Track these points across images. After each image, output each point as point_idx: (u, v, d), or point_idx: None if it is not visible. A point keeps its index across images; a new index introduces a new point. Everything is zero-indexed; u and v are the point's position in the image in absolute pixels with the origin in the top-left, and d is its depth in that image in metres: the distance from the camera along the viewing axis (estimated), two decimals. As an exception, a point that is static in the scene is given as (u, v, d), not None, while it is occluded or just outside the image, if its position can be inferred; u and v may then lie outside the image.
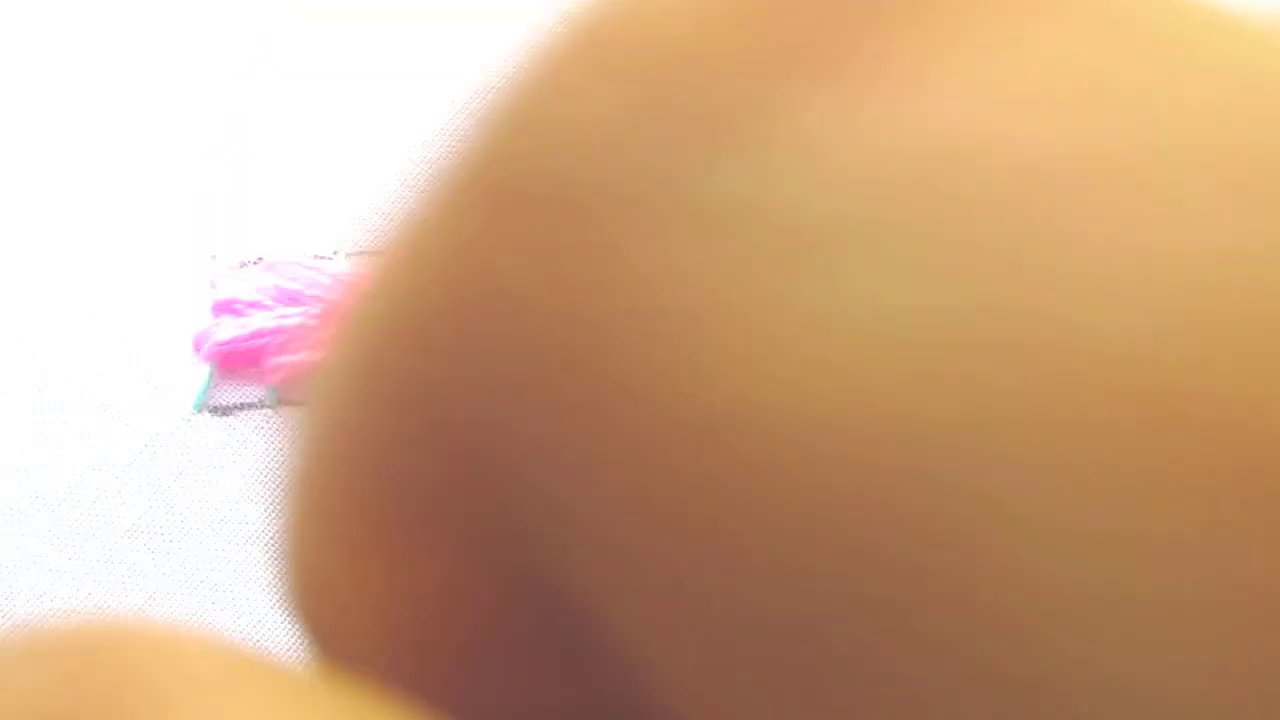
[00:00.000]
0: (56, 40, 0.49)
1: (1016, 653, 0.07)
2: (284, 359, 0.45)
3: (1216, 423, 0.07)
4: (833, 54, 0.09)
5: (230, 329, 0.45)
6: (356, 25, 0.49)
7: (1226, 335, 0.07)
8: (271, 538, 0.14)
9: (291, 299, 0.46)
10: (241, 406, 0.45)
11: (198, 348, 0.46)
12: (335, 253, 0.47)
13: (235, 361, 0.46)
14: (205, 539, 0.44)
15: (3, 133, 0.48)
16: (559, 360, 0.08)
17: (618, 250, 0.08)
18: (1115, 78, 0.08)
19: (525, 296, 0.09)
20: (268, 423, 0.45)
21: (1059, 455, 0.07)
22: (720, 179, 0.08)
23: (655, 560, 0.08)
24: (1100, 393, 0.07)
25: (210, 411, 0.45)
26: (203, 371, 0.46)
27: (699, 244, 0.08)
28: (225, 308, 0.46)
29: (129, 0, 0.50)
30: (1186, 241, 0.07)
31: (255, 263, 0.47)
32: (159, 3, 0.50)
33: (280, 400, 0.46)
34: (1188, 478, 0.07)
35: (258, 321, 0.45)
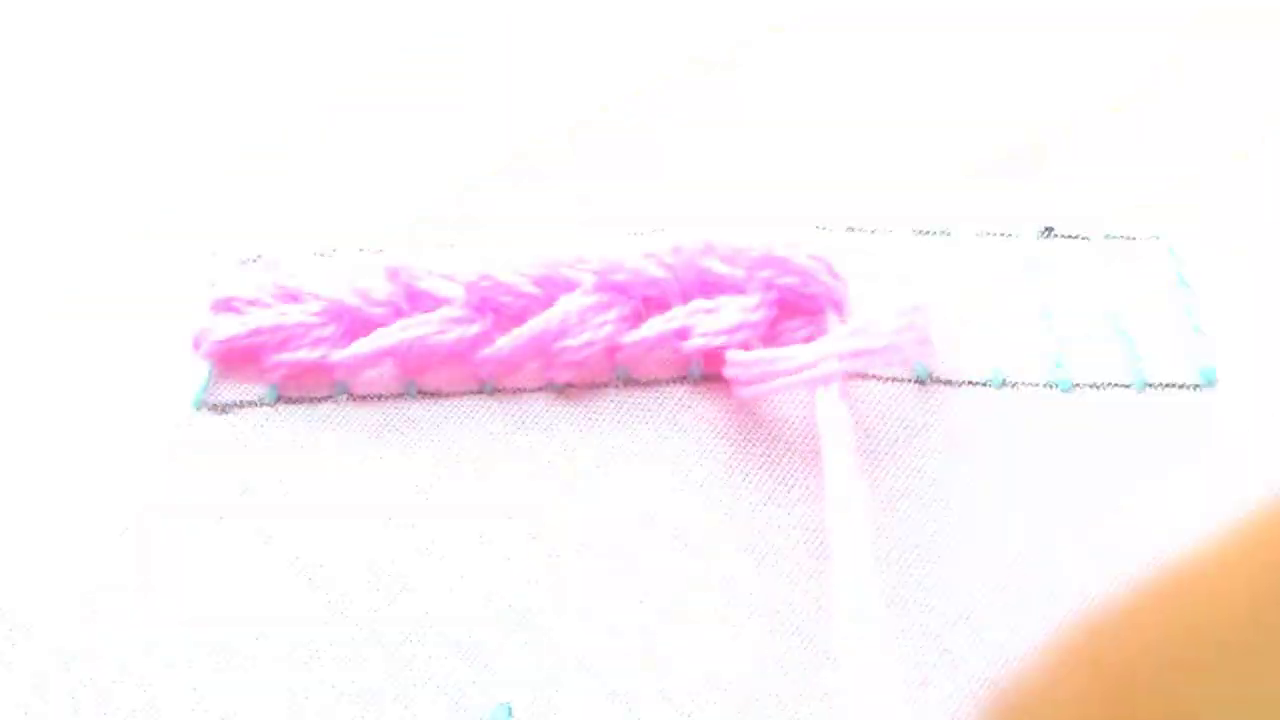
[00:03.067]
0: (57, 38, 0.49)
1: None
2: (284, 357, 0.45)
3: None
4: None
5: (230, 326, 0.45)
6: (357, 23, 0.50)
7: None
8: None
9: (291, 297, 0.46)
10: (241, 404, 0.45)
11: (197, 345, 0.46)
12: (335, 250, 0.47)
13: (235, 359, 0.46)
14: (205, 537, 0.44)
15: (2, 129, 0.48)
16: None
17: None
18: None
19: None
20: (267, 420, 0.45)
21: None
22: None
23: None
24: None
25: (210, 409, 0.45)
26: (202, 369, 0.46)
27: None
28: (225, 305, 0.46)
29: (130, 1, 0.50)
30: None
31: (255, 260, 0.47)
32: (162, 2, 0.50)
33: (280, 398, 0.45)
34: None
35: (257, 319, 0.45)
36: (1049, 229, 0.46)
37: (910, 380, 0.45)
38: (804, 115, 0.48)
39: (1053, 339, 0.45)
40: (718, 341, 0.44)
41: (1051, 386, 0.45)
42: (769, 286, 0.44)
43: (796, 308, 0.45)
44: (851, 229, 0.47)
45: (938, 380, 0.45)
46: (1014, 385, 0.45)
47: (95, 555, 0.44)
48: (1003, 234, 0.47)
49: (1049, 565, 0.44)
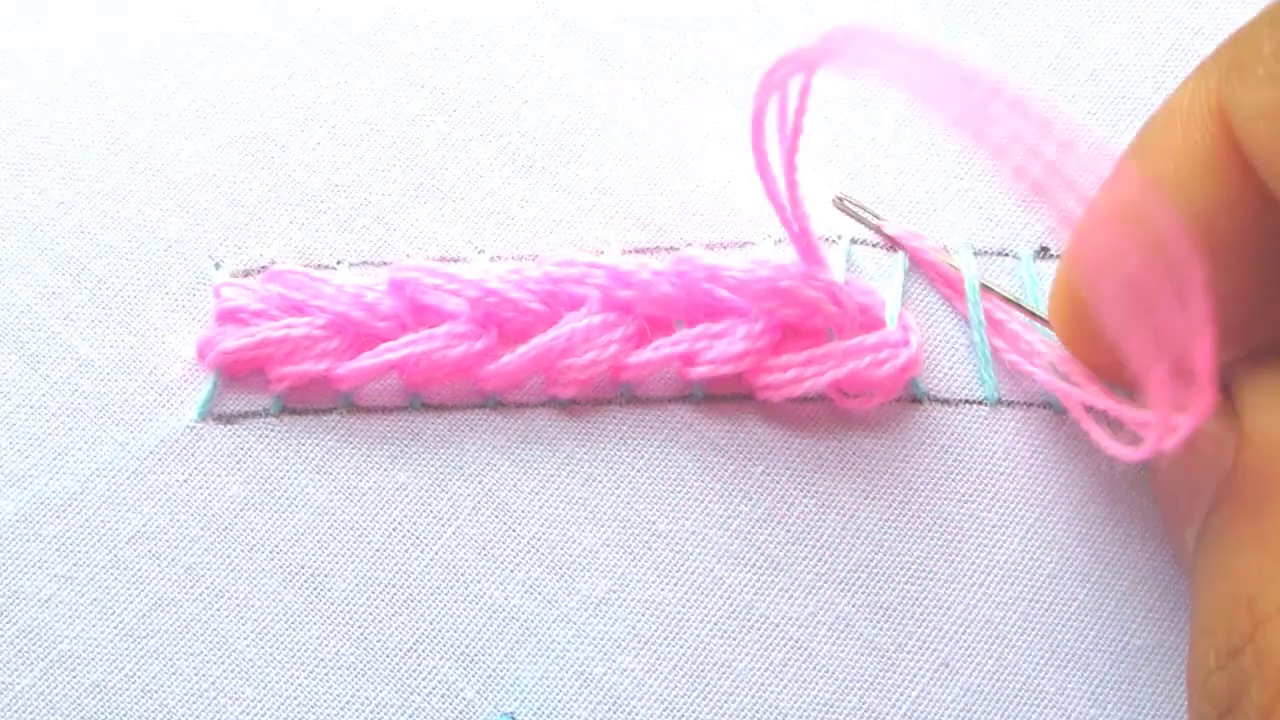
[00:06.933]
0: (62, 44, 0.49)
1: None
2: (289, 369, 0.45)
3: None
4: None
5: (235, 338, 0.45)
6: (365, 35, 0.50)
7: None
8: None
9: (296, 309, 0.46)
10: (246, 415, 0.46)
11: (202, 356, 0.46)
12: (339, 263, 0.47)
13: (240, 370, 0.46)
14: (210, 546, 0.45)
15: (6, 138, 0.48)
16: None
17: None
18: None
19: None
20: (272, 432, 0.46)
21: None
22: None
23: None
24: None
25: (215, 420, 0.46)
26: (207, 380, 0.46)
27: None
28: (230, 316, 0.46)
29: (136, 6, 0.50)
30: None
31: (260, 272, 0.47)
32: (167, 11, 0.49)
33: (285, 409, 0.46)
34: None
35: (262, 331, 0.45)
36: (1045, 249, 0.47)
37: (907, 399, 0.46)
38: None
39: (1048, 359, 0.46)
40: (724, 370, 0.45)
41: (1046, 406, 0.46)
42: (773, 314, 0.45)
43: (800, 330, 0.45)
44: (855, 241, 0.47)
45: (934, 399, 0.46)
46: (1009, 404, 0.46)
47: (102, 563, 0.44)
48: (1000, 253, 0.47)
49: (1043, 580, 0.44)
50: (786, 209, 0.43)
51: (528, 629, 0.44)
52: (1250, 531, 0.36)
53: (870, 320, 0.46)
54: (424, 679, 0.44)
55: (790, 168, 0.42)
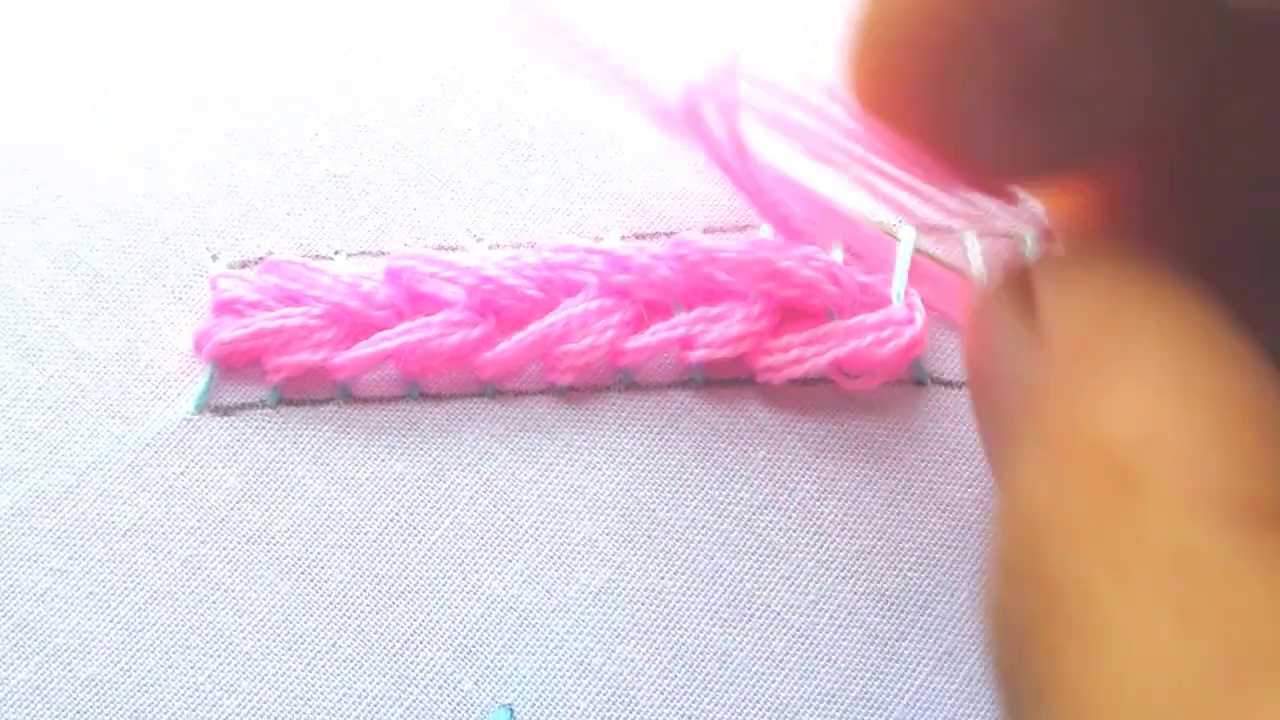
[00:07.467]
0: (59, 36, 0.49)
1: None
2: (285, 359, 0.45)
3: None
4: None
5: (232, 329, 0.45)
6: (356, 25, 0.49)
7: None
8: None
9: (293, 299, 0.46)
10: (243, 406, 0.46)
11: (199, 347, 0.46)
12: (336, 253, 0.47)
13: (236, 361, 0.46)
14: (206, 538, 0.44)
15: (2, 131, 0.48)
16: None
17: None
18: None
19: None
20: (269, 423, 0.45)
21: None
22: None
23: None
24: None
25: (211, 411, 0.45)
26: (204, 372, 0.46)
27: None
28: (226, 308, 0.46)
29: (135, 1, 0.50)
30: None
31: (256, 263, 0.47)
32: (164, 3, 0.49)
33: (281, 400, 0.46)
34: None
35: (259, 322, 0.45)
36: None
37: (910, 381, 0.45)
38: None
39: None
40: (722, 353, 0.44)
41: (1052, 388, 0.45)
42: (771, 295, 0.44)
43: (800, 312, 0.45)
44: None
45: (938, 382, 0.45)
46: (1014, 387, 0.45)
47: (98, 556, 0.44)
48: (1005, 235, 0.47)
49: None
50: (757, 198, 0.43)
51: (526, 619, 0.44)
52: (1032, 439, 0.30)
53: (874, 299, 0.45)
54: (421, 670, 0.44)
55: (743, 174, 0.41)
